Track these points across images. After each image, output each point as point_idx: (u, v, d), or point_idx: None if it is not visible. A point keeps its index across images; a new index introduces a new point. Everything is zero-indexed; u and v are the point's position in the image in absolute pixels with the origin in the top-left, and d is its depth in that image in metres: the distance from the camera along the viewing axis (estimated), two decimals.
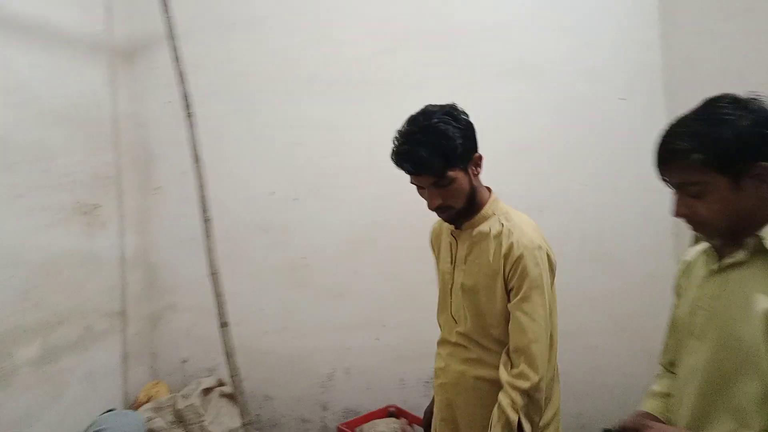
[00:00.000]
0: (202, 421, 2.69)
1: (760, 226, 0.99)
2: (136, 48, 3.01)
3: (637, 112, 2.54)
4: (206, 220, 2.51)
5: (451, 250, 1.58)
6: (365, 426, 2.66)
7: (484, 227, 1.49)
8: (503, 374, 1.41)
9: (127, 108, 3.00)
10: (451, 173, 1.39)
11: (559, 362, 2.62)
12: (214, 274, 2.47)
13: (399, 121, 2.84)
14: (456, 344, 1.56)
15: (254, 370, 2.90)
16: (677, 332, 1.19)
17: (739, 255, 1.02)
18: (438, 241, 1.69)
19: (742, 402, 0.97)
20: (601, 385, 2.65)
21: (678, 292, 1.24)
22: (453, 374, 1.57)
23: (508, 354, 1.43)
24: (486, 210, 1.50)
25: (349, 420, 2.75)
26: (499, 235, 1.45)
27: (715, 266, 1.08)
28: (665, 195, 2.47)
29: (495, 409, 1.39)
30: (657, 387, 1.31)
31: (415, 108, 2.65)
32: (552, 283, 1.48)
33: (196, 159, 2.55)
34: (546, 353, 1.40)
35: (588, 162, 2.60)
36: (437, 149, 1.36)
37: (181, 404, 2.73)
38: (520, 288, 1.39)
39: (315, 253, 2.90)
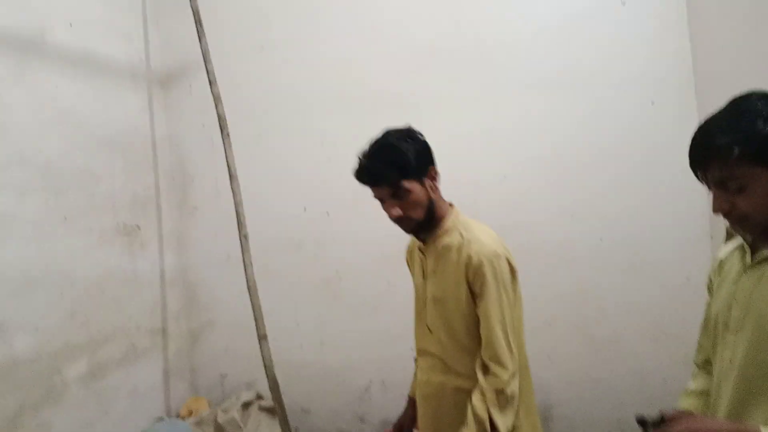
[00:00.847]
0: None
1: None
2: (171, 75, 3.14)
3: (668, 119, 2.53)
4: (244, 237, 2.57)
5: (421, 265, 1.67)
6: None
7: (446, 240, 1.57)
8: (479, 376, 1.49)
9: (164, 132, 3.13)
10: (406, 184, 1.50)
11: (598, 370, 2.63)
12: (251, 287, 2.53)
13: (432, 135, 2.90)
14: (434, 355, 1.64)
15: (291, 384, 2.94)
16: (711, 330, 1.20)
17: None
18: (412, 258, 1.79)
19: None
20: (641, 392, 2.62)
21: (711, 289, 1.25)
22: (434, 386, 1.64)
23: (481, 358, 1.52)
24: (447, 223, 1.59)
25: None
26: (459, 246, 1.53)
27: (750, 261, 1.08)
28: (699, 198, 2.48)
29: (468, 410, 1.47)
30: (693, 385, 1.31)
31: (449, 121, 2.73)
32: (514, 286, 1.56)
33: (232, 177, 2.62)
34: (510, 350, 1.48)
35: (620, 169, 2.59)
36: (391, 162, 1.50)
37: (221, 418, 2.78)
38: (482, 294, 1.49)
39: (348, 267, 2.95)
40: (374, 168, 1.52)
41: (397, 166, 1.49)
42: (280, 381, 2.58)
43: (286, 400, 2.63)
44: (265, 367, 2.51)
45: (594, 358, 2.66)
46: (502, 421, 1.43)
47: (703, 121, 1.06)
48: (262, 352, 2.50)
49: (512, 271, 1.55)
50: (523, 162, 2.70)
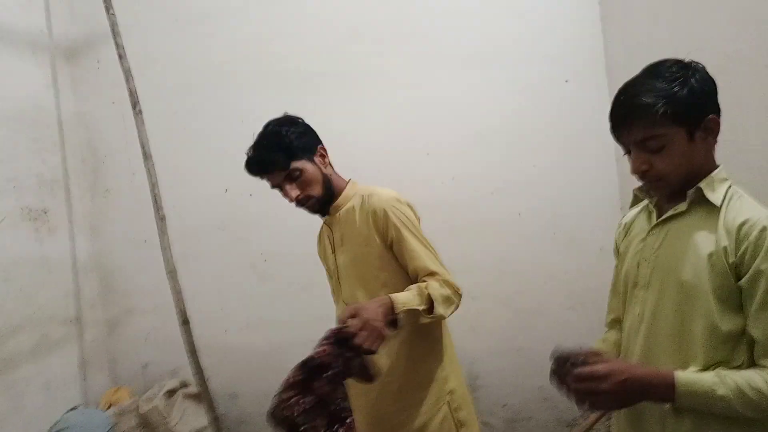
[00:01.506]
0: (167, 422, 2.66)
1: (703, 178, 1.07)
2: (78, 47, 2.94)
3: (583, 94, 2.63)
4: (160, 218, 2.47)
5: (329, 241, 1.70)
6: None
7: (348, 206, 1.64)
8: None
9: (72, 109, 2.94)
10: (296, 164, 1.55)
11: (522, 339, 2.72)
12: (171, 272, 2.44)
13: (356, 113, 2.86)
14: None
15: (218, 370, 2.87)
16: (621, 289, 1.26)
17: (680, 206, 1.10)
18: (321, 245, 1.81)
19: (687, 340, 1.05)
20: None
21: (618, 252, 1.31)
22: None
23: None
24: (347, 192, 1.66)
25: None
26: (361, 205, 1.60)
27: (656, 220, 1.16)
28: (611, 173, 2.58)
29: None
30: (605, 337, 1.39)
31: (372, 98, 2.71)
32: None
33: (147, 156, 2.51)
34: (447, 270, 1.55)
35: (541, 144, 2.67)
36: (276, 146, 1.55)
37: (144, 408, 2.69)
38: (398, 238, 1.54)
39: (274, 248, 2.90)
40: (262, 157, 1.56)
41: (282, 150, 1.54)
42: (205, 366, 2.52)
43: (212, 385, 2.57)
44: (188, 352, 2.44)
45: (516, 328, 2.76)
46: (439, 308, 1.45)
47: (623, 85, 1.11)
48: (184, 337, 2.43)
49: (415, 215, 1.62)
50: (452, 138, 2.73)
